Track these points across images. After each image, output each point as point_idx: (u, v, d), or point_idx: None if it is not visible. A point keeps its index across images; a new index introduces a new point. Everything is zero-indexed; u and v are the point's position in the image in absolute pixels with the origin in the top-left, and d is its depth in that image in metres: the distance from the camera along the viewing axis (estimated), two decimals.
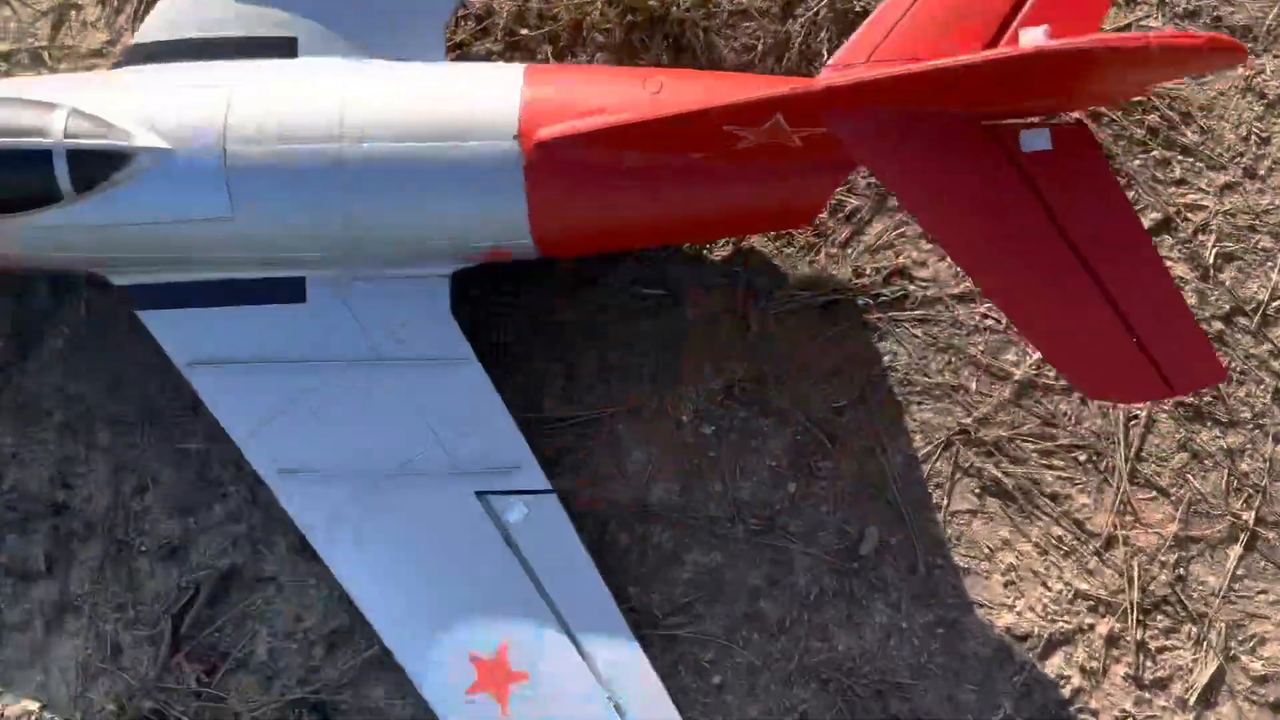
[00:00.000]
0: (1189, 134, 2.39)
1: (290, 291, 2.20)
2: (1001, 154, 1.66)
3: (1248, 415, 2.26)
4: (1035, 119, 1.67)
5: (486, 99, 2.04)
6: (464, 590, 2.10)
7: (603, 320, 2.36)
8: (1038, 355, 2.29)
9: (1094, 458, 2.25)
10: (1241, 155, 2.38)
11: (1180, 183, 2.37)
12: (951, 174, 1.67)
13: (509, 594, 2.11)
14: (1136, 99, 2.36)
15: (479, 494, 2.15)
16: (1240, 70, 2.41)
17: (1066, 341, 1.67)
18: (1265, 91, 2.41)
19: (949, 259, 2.34)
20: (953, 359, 2.31)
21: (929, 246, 2.36)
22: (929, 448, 2.27)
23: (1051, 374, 2.28)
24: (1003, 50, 1.47)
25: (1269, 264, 2.33)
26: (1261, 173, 2.37)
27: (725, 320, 2.34)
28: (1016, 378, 2.29)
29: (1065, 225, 1.64)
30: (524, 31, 2.44)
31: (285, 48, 2.22)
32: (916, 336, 2.32)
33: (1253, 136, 2.39)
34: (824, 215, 2.38)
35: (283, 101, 2.05)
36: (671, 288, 2.37)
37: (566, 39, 2.45)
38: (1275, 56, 2.43)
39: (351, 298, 2.19)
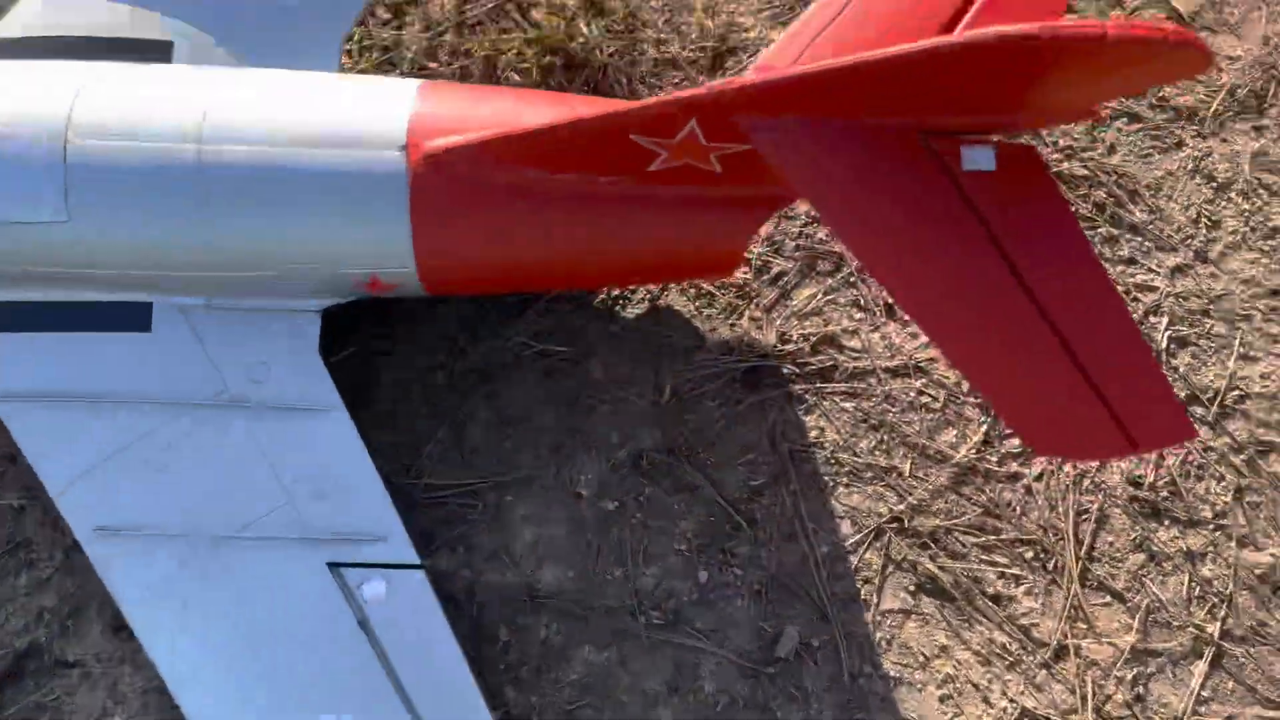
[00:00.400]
0: (1137, 212, 2.25)
1: (132, 319, 1.90)
2: (940, 171, 1.46)
3: (1208, 514, 2.03)
4: (981, 137, 1.48)
5: (374, 108, 1.81)
6: (305, 681, 1.74)
7: (498, 376, 2.09)
8: (978, 438, 2.06)
9: (1041, 555, 2.00)
10: (1192, 237, 2.24)
11: (1130, 261, 2.21)
12: (881, 190, 1.47)
13: (359, 687, 1.75)
14: (1081, 174, 2.24)
15: (332, 565, 1.82)
16: (1186, 152, 2.31)
17: (1010, 384, 1.43)
18: (1214, 174, 2.29)
19: (879, 332, 2.14)
20: (885, 438, 2.07)
21: (860, 315, 2.16)
22: (858, 536, 2.00)
23: (994, 459, 2.05)
24: (933, 41, 1.28)
25: (1224, 351, 2.15)
26: (1213, 256, 2.22)
27: (636, 384, 2.09)
28: (955, 461, 2.04)
29: (1010, 252, 1.44)
30: (433, 65, 2.26)
31: (160, 51, 2.00)
32: (845, 411, 2.08)
33: (1203, 219, 2.25)
34: (748, 276, 2.17)
35: (140, 98, 1.81)
36: (577, 345, 2.12)
37: (479, 77, 2.26)
38: (1223, 140, 2.32)
39: (204, 330, 1.90)
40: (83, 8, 2.00)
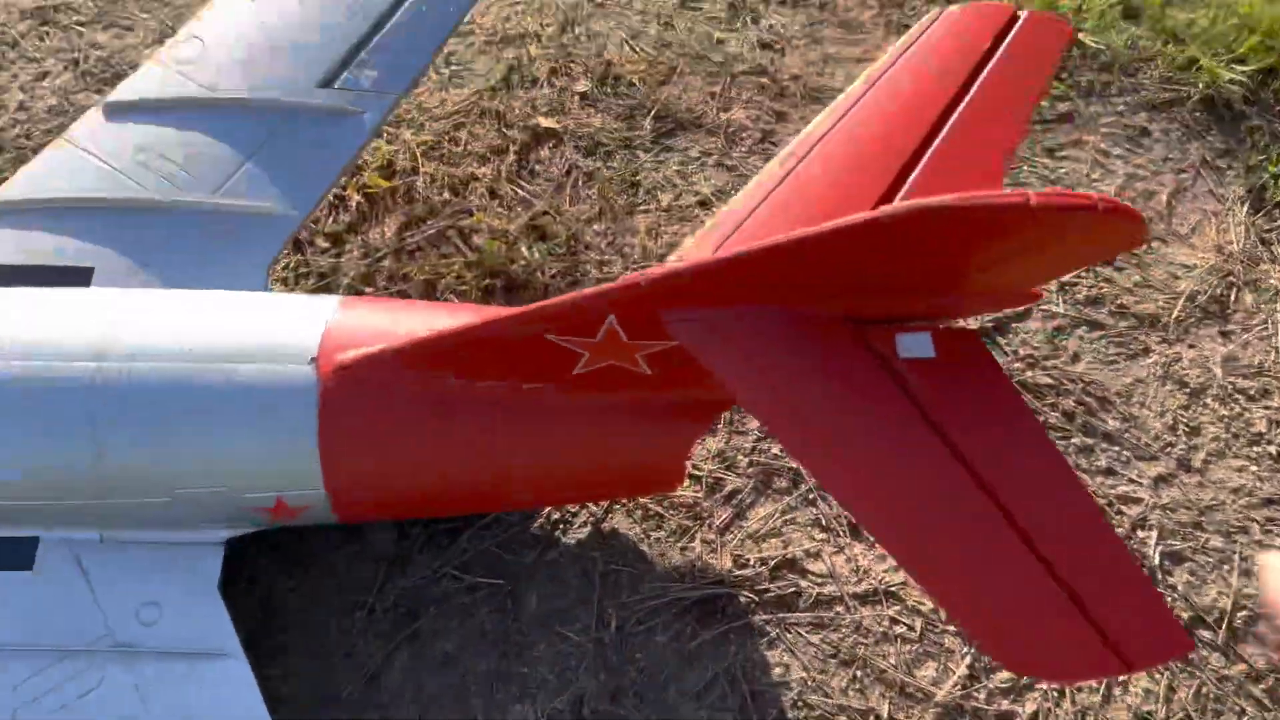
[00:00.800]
0: (1110, 420, 2.12)
1: (14, 555, 1.72)
2: (875, 360, 1.34)
3: None
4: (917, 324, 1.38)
5: (288, 322, 1.72)
6: None
7: (422, 614, 1.88)
8: (963, 672, 1.83)
9: None
10: (1172, 445, 2.09)
11: (1109, 472, 2.05)
12: (813, 381, 1.34)
13: None
14: (1046, 383, 2.13)
15: None
16: (1154, 358, 2.21)
17: (974, 593, 1.24)
18: (1185, 380, 2.18)
19: (843, 554, 1.95)
20: (858, 674, 1.83)
21: (821, 535, 1.97)
22: None
23: (982, 695, 1.81)
24: (845, 219, 1.20)
25: (1225, 566, 1.95)
26: (1196, 465, 2.07)
27: (577, 618, 1.87)
28: (938, 699, 1.80)
29: (959, 444, 1.29)
30: (370, 290, 2.20)
31: (79, 278, 1.95)
32: (812, 645, 1.86)
33: (1180, 426, 2.12)
34: (699, 495, 2.01)
35: (43, 319, 1.73)
36: (512, 576, 1.92)
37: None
38: (1190, 346, 2.24)
39: (93, 567, 1.72)
40: (10, 236, 1.96)
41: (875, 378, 1.34)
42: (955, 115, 1.52)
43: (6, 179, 2.03)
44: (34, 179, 2.01)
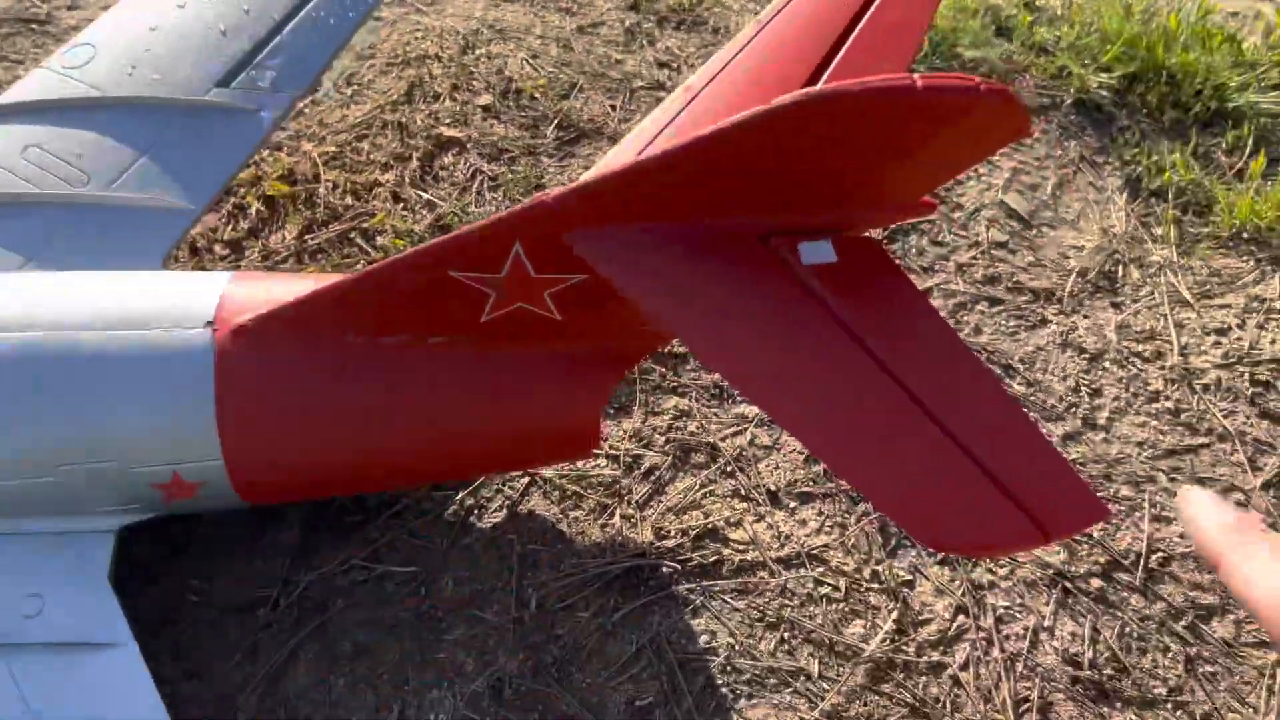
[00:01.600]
0: (1016, 385, 2.16)
1: None
2: (781, 268, 1.35)
3: (1162, 691, 1.76)
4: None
5: (181, 291, 1.66)
6: None
7: (330, 606, 1.78)
8: (890, 627, 1.80)
9: None
10: (1076, 406, 2.14)
11: None
12: (725, 290, 1.34)
13: None
14: None
15: None
16: (1052, 328, 2.28)
17: (892, 475, 1.23)
18: (1084, 346, 2.24)
19: (764, 521, 1.93)
20: (786, 636, 1.79)
21: (742, 504, 1.95)
22: None
23: (911, 649, 1.78)
24: (742, 114, 1.22)
25: (1136, 514, 1.98)
26: (1101, 422, 2.12)
27: (494, 600, 1.80)
28: (869, 655, 1.76)
29: (867, 339, 1.30)
30: None
31: None
32: (738, 610, 1.81)
33: (1082, 388, 2.17)
34: (617, 474, 1.98)
35: None
36: (424, 562, 1.84)
37: None
38: (1085, 316, 2.31)
39: None
40: None
41: (783, 283, 1.34)
42: (847, 44, 1.57)
43: None
44: None
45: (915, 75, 1.19)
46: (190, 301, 1.64)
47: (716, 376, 2.11)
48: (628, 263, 1.38)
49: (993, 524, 1.20)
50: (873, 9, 1.63)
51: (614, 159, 1.64)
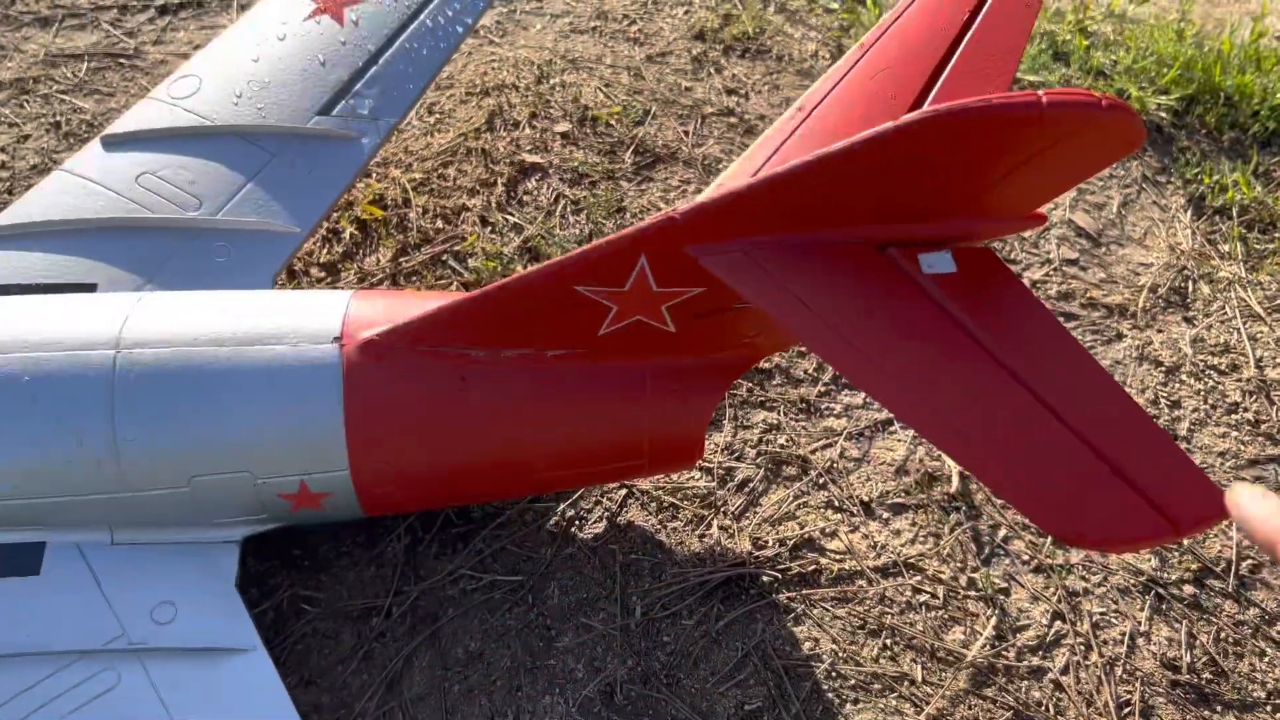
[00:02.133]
0: None
1: (21, 562, 1.65)
2: (903, 276, 1.41)
3: (1261, 694, 1.78)
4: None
5: (307, 309, 1.73)
6: None
7: (441, 616, 1.83)
8: (990, 632, 1.83)
9: None
10: (1157, 418, 2.18)
11: None
12: (850, 300, 1.39)
13: None
14: None
15: None
16: (1127, 342, 2.32)
17: (1026, 476, 1.27)
18: (1160, 360, 2.29)
19: (859, 531, 1.97)
20: (888, 643, 1.82)
21: (836, 515, 1.99)
22: None
23: (1011, 654, 1.81)
24: (864, 133, 1.28)
25: (1224, 522, 2.01)
26: (1182, 433, 2.15)
27: (600, 608, 1.84)
28: (970, 660, 1.79)
29: (991, 345, 1.35)
30: None
31: (84, 291, 1.93)
32: (839, 618, 1.85)
33: (1161, 401, 2.21)
34: (712, 486, 2.02)
35: (53, 316, 1.71)
36: (530, 572, 1.89)
37: None
38: (1159, 331, 2.35)
39: (103, 570, 1.65)
40: (6, 257, 1.95)
41: (906, 291, 1.40)
42: (952, 63, 1.64)
43: None
44: (30, 205, 2.01)
45: (1040, 92, 1.25)
46: (316, 318, 1.70)
47: (804, 391, 2.16)
48: (752, 273, 1.44)
49: (1126, 518, 1.24)
50: (974, 30, 1.69)
51: (732, 177, 1.70)
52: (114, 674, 1.55)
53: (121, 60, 2.84)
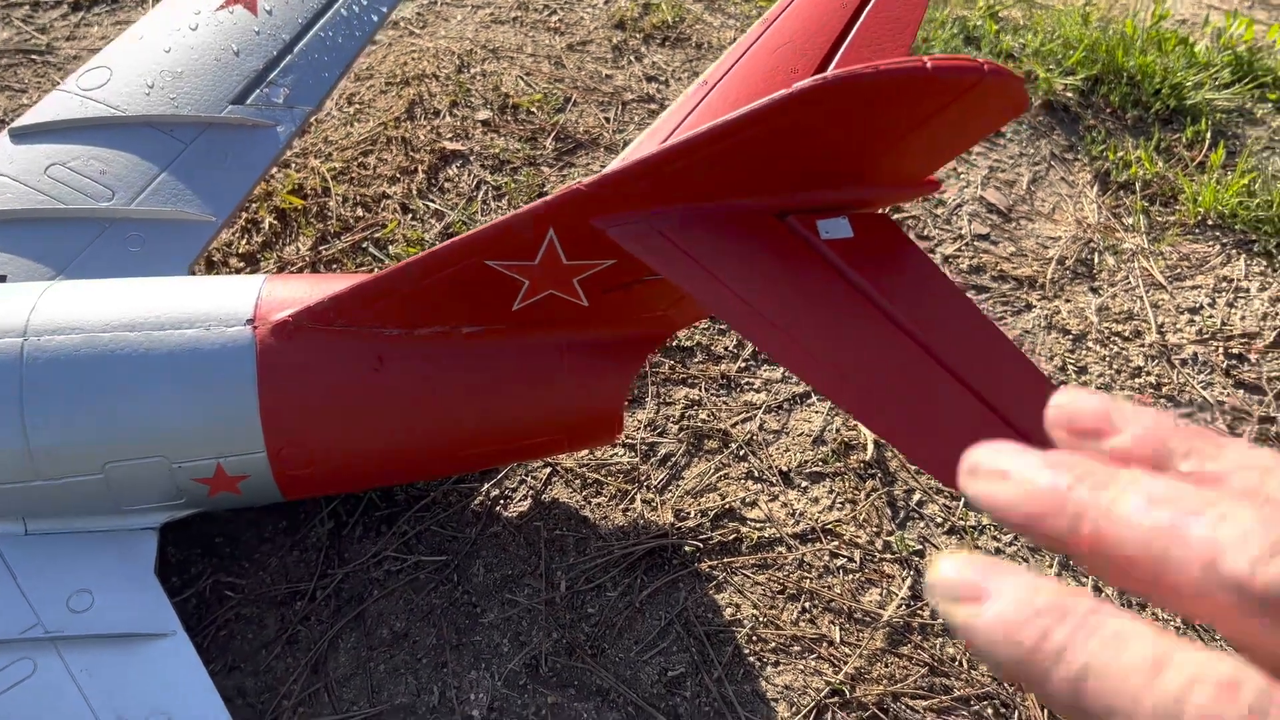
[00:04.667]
0: None
1: None
2: (801, 243, 1.45)
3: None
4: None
5: (219, 292, 1.72)
6: None
7: (366, 598, 1.84)
8: (905, 593, 1.89)
9: (1002, 710, 1.76)
10: (1065, 383, 2.26)
11: None
12: (753, 266, 1.43)
13: None
14: None
15: None
16: (1036, 312, 2.40)
17: (925, 432, 1.32)
18: (1067, 328, 2.37)
19: (779, 500, 2.01)
20: (807, 606, 1.87)
21: (756, 485, 2.03)
22: (798, 718, 1.73)
23: (926, 613, 1.86)
24: (763, 99, 1.32)
25: None
26: None
27: (525, 584, 1.86)
28: (887, 620, 1.85)
29: (887, 307, 1.40)
30: None
31: None
32: (759, 584, 1.89)
33: (1069, 367, 2.29)
34: (636, 461, 2.05)
35: None
36: (453, 551, 1.90)
37: None
38: (1066, 300, 2.43)
39: (17, 561, 1.64)
40: None
41: (805, 257, 1.44)
42: (848, 39, 1.69)
43: None
44: None
45: (925, 57, 1.30)
46: (229, 301, 1.70)
47: (724, 367, 2.20)
48: (657, 243, 1.47)
49: None
50: (869, 7, 1.74)
51: (638, 149, 1.73)
52: (29, 663, 1.54)
53: (33, 56, 2.80)
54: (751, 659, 1.79)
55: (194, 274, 2.23)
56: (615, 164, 1.75)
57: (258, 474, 1.68)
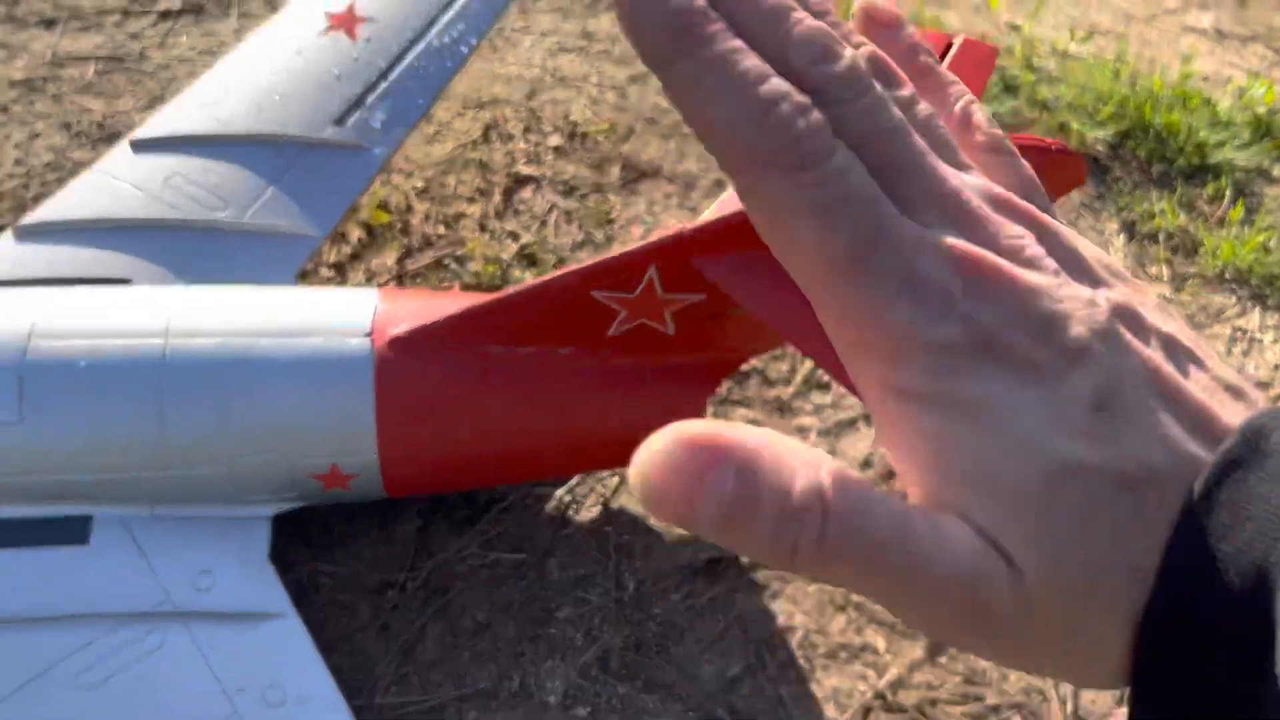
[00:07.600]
0: None
1: (70, 533, 1.79)
2: None
3: None
4: None
5: (338, 304, 1.89)
6: None
7: (451, 590, 2.00)
8: None
9: (1030, 719, 1.93)
10: None
11: None
12: None
13: None
14: None
15: None
16: None
17: None
18: None
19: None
20: (854, 616, 2.04)
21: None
22: (844, 717, 1.90)
23: None
24: None
25: None
26: None
27: (596, 583, 2.03)
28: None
29: None
30: None
31: (118, 284, 2.07)
32: (810, 595, 2.06)
33: None
34: None
35: (106, 305, 1.85)
36: (531, 550, 2.07)
37: None
38: None
39: (146, 541, 1.80)
40: (41, 251, 2.08)
41: None
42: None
43: (6, 225, 2.15)
44: (62, 203, 2.15)
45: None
46: (347, 313, 1.87)
47: (778, 391, 2.38)
48: (748, 283, 1.65)
49: None
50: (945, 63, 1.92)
51: (727, 204, 1.91)
52: (159, 637, 1.71)
53: (127, 63, 2.96)
54: (803, 662, 1.96)
55: (296, 283, 2.40)
56: (714, 209, 1.92)
57: (368, 474, 1.85)
